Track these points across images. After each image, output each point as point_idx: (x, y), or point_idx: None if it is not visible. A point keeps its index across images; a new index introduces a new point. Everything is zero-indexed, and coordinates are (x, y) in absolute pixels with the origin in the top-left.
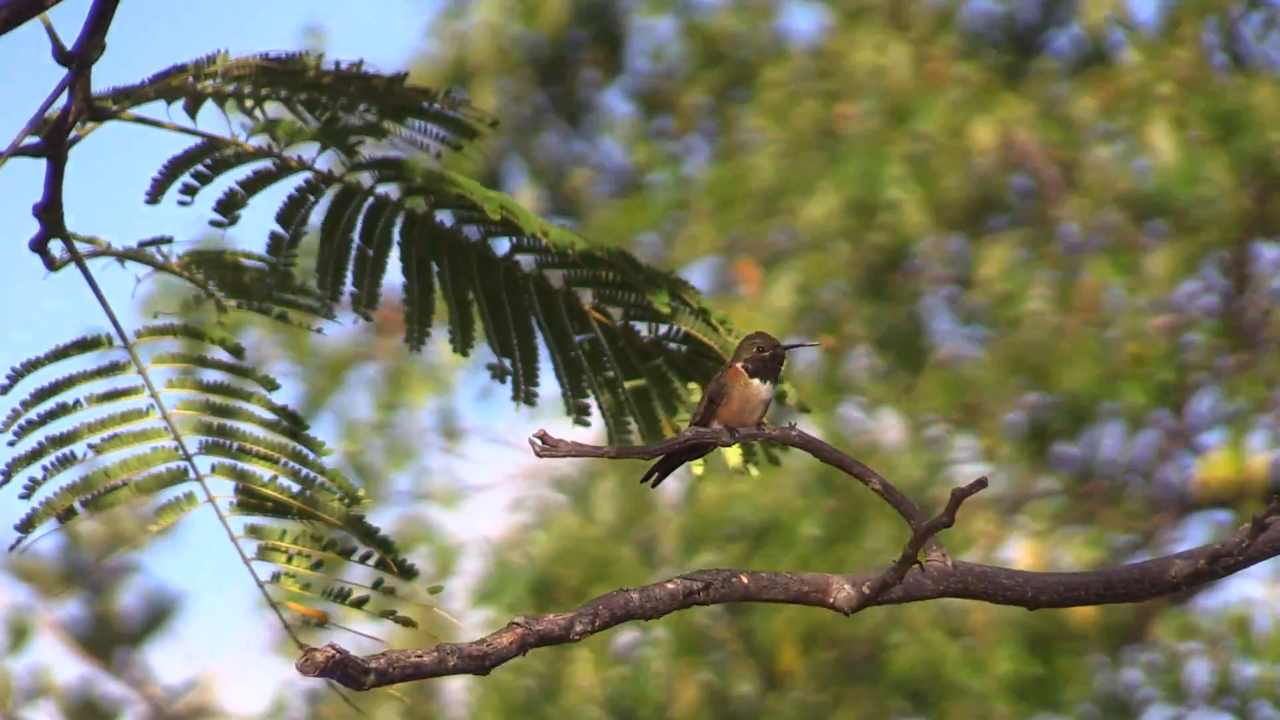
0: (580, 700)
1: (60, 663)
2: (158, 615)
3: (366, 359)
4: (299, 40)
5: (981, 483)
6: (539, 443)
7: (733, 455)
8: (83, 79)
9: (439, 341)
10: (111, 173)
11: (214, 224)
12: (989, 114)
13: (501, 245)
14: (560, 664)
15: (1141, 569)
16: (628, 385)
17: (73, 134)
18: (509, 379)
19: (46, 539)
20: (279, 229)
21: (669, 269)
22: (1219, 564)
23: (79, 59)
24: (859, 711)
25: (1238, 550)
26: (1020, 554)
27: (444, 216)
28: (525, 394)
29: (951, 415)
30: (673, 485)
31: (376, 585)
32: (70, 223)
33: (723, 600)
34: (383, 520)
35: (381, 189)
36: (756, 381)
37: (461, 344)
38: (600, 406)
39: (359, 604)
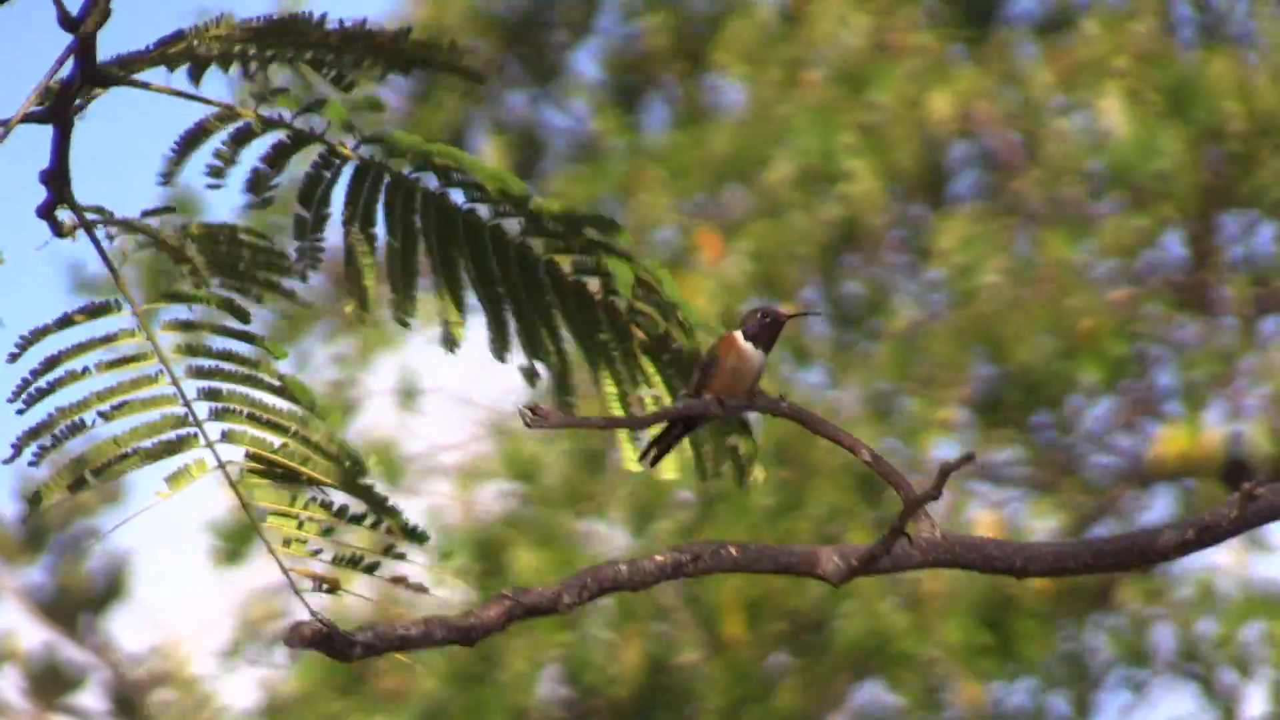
0: (527, 667)
1: (24, 628)
2: (118, 581)
3: (324, 316)
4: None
5: (970, 456)
6: (529, 414)
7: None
8: (87, 44)
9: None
10: (115, 139)
11: (251, 206)
12: (946, 85)
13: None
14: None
15: (1131, 539)
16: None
17: (78, 100)
18: (540, 383)
19: (5, 505)
20: (302, 211)
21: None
22: (1207, 534)
23: (83, 24)
24: (806, 681)
25: (1227, 521)
26: (978, 522)
27: (457, 197)
28: (565, 406)
29: (907, 386)
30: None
31: (388, 550)
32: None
33: (710, 572)
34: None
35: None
36: (750, 350)
37: (500, 346)
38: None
39: (370, 569)
